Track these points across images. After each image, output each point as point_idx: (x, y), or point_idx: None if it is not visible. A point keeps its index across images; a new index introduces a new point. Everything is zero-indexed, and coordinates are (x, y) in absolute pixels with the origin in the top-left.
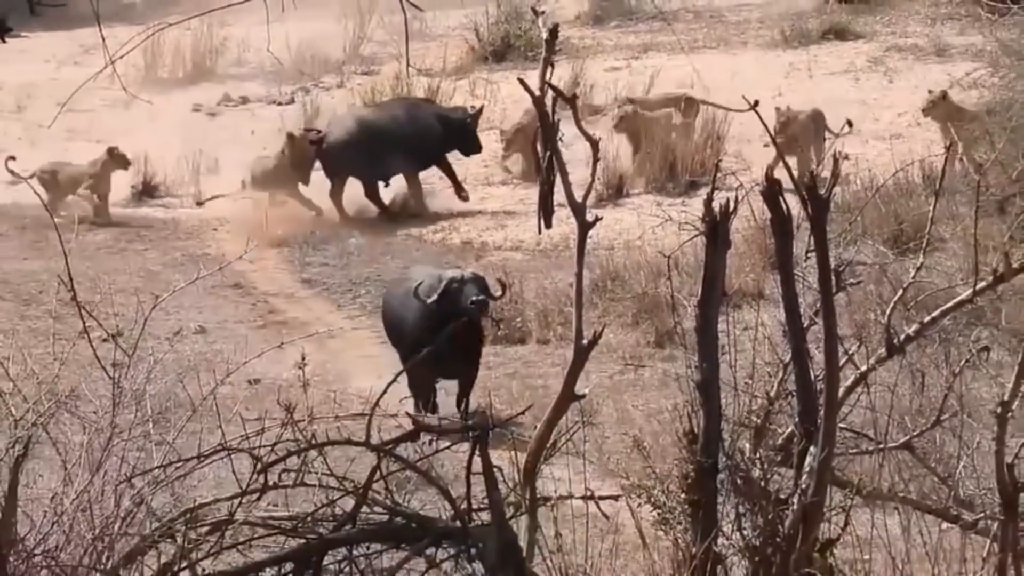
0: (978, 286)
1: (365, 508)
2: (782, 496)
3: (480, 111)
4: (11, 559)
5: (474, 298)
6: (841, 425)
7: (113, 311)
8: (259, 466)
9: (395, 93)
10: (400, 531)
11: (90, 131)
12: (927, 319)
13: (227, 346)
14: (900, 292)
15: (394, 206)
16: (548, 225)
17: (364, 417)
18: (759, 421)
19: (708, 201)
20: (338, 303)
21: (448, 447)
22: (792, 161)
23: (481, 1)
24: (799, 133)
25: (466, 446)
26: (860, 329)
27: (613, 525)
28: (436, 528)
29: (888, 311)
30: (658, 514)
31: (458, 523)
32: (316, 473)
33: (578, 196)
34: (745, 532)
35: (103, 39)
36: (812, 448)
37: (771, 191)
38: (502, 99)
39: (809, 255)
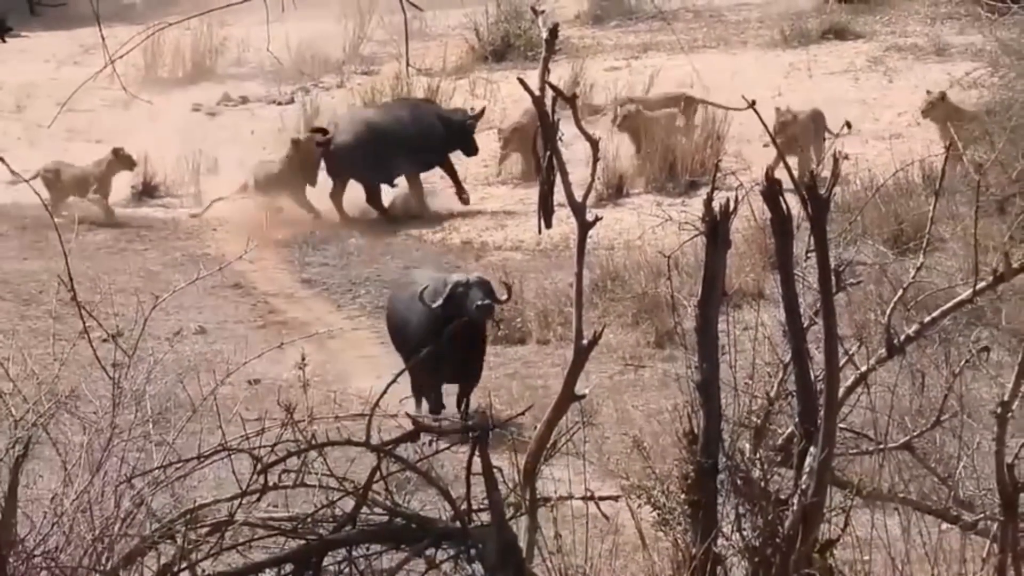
0: (978, 286)
1: (365, 509)
2: (782, 497)
3: (481, 113)
4: (11, 560)
5: (479, 303)
6: (841, 425)
7: (113, 311)
8: (259, 467)
9: (395, 93)
10: (400, 532)
11: (90, 131)
12: (927, 319)
13: (227, 346)
14: (900, 292)
15: (394, 208)
16: (548, 225)
17: (364, 418)
18: (759, 421)
19: (708, 201)
20: (338, 303)
21: (448, 447)
22: (792, 161)
23: (481, 1)
24: (799, 133)
25: (466, 447)
26: (860, 329)
27: (613, 526)
28: (436, 529)
29: (888, 311)
30: (658, 515)
31: (458, 524)
32: (316, 474)
33: (578, 196)
34: (745, 533)
35: (103, 39)
36: (812, 448)
37: (771, 191)
38: (502, 99)
39: (809, 255)
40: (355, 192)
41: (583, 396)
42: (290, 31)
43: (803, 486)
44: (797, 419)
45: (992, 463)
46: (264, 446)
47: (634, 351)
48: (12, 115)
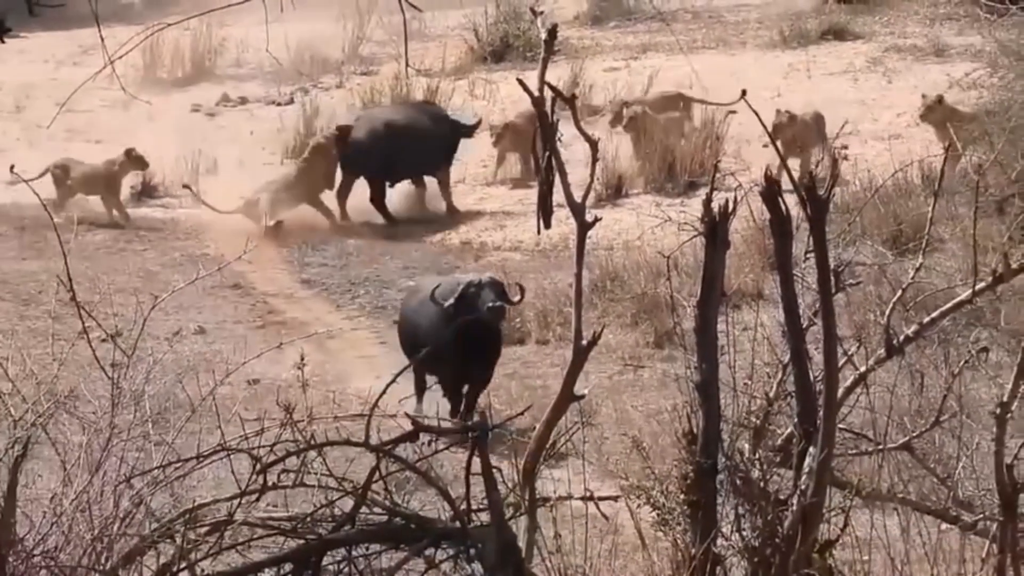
0: (977, 287)
1: (364, 509)
2: (781, 497)
3: (479, 123)
4: (10, 559)
5: (491, 304)
6: (840, 426)
7: (112, 311)
8: (258, 466)
9: (394, 93)
10: (399, 532)
11: (89, 131)
12: (926, 320)
13: (226, 346)
14: (899, 293)
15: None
16: (547, 225)
17: (363, 417)
18: (758, 422)
19: (707, 201)
20: (337, 303)
21: (447, 447)
22: (793, 163)
23: (480, 1)
24: (800, 135)
25: (466, 447)
26: (859, 330)
27: (612, 526)
28: (435, 529)
29: (887, 312)
30: (657, 515)
31: (457, 524)
32: (315, 473)
33: (577, 196)
34: (744, 533)
35: (102, 39)
36: (811, 449)
37: (770, 191)
38: (501, 99)
39: (808, 255)
40: (355, 192)
41: (582, 396)
42: (289, 32)
43: (802, 486)
44: (796, 419)
45: (991, 463)
46: (263, 446)
47: (633, 351)
48: (11, 115)
